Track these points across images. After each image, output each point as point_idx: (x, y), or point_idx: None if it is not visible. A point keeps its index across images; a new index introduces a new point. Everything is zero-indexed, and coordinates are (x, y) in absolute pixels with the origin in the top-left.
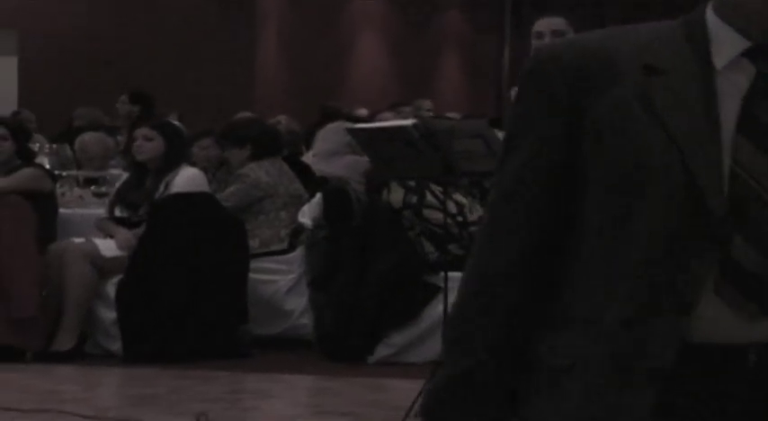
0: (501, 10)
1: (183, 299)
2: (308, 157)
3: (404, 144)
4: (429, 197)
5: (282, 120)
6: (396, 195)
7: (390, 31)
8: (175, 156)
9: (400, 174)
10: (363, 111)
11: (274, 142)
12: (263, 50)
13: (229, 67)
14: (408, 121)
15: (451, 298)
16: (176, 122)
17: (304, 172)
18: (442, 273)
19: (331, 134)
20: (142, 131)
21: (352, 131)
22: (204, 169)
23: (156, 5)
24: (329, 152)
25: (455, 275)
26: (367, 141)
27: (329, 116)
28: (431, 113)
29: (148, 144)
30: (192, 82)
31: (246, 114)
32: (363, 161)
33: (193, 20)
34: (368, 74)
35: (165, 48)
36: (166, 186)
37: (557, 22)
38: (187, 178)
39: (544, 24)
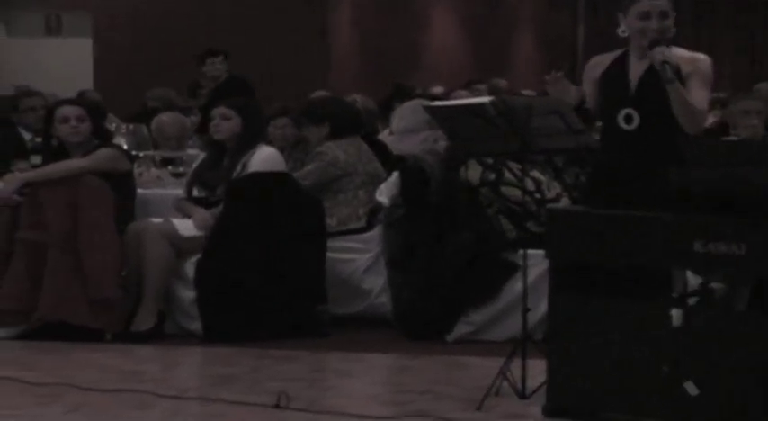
0: None
1: (262, 278)
2: (383, 136)
3: (481, 121)
4: (507, 174)
5: (358, 99)
6: (473, 173)
7: (464, 9)
8: (252, 135)
9: (478, 152)
10: (439, 89)
11: (353, 120)
12: (337, 29)
13: (304, 47)
14: (486, 99)
15: (531, 275)
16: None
17: (381, 150)
18: (521, 251)
19: (408, 112)
20: (219, 110)
21: (429, 109)
22: (281, 148)
23: None
24: (406, 130)
25: (534, 253)
26: (445, 119)
27: (402, 94)
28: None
29: (225, 123)
30: (267, 61)
31: (322, 93)
32: (440, 138)
33: (270, 3)
34: (442, 52)
35: (239, 29)
36: (243, 166)
37: (662, 2)
38: (264, 157)
39: (651, 5)
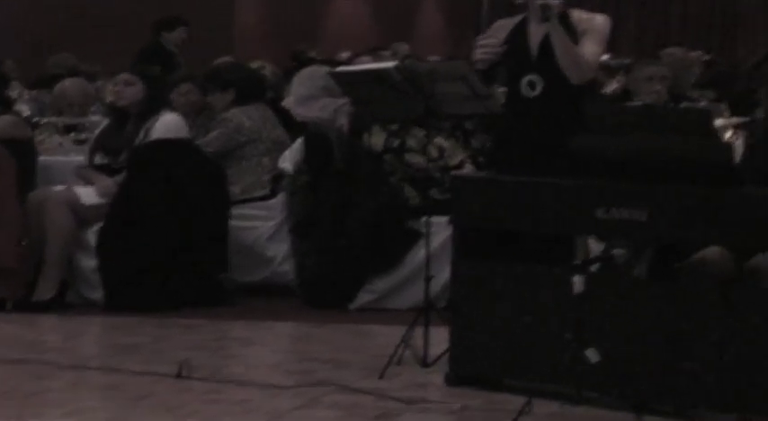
0: None
1: (164, 246)
2: (287, 102)
3: (386, 87)
4: (410, 141)
5: (266, 66)
6: (377, 139)
7: None
8: (155, 101)
9: (382, 117)
10: (345, 55)
11: (258, 87)
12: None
13: (207, 13)
14: (390, 64)
15: (433, 243)
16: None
17: (286, 117)
18: (424, 218)
19: (307, 78)
20: (123, 76)
21: (333, 75)
22: (184, 114)
23: None
24: (306, 96)
25: (437, 220)
26: (349, 84)
27: (302, 61)
28: (409, 57)
29: (129, 89)
30: None
31: (227, 59)
32: (341, 104)
33: None
34: (346, 18)
35: None
36: (146, 132)
37: None
38: (167, 124)
39: None
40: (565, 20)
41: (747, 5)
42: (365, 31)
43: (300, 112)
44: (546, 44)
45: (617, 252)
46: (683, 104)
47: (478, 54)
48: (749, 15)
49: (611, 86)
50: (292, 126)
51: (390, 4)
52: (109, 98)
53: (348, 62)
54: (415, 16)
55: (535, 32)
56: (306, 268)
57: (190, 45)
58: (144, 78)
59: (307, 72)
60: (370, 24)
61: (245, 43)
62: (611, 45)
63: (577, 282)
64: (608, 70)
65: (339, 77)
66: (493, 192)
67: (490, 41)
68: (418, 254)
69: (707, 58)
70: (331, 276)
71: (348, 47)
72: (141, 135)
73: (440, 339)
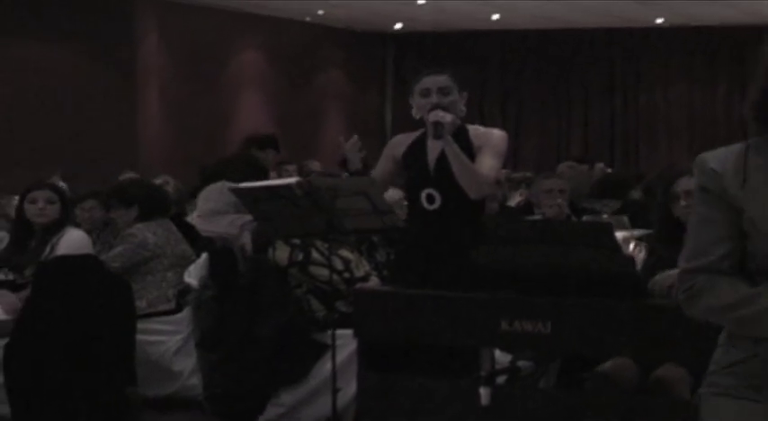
0: (383, 67)
1: (70, 361)
2: (192, 218)
3: (287, 202)
4: (315, 254)
5: (169, 181)
6: (281, 253)
7: (272, 91)
8: (64, 218)
9: (285, 233)
10: None
11: (162, 203)
12: (145, 110)
13: (111, 128)
14: (292, 180)
15: (340, 355)
16: (61, 183)
17: (190, 232)
18: (330, 331)
19: (214, 194)
20: (45, 194)
21: (235, 191)
22: (88, 230)
23: (38, 65)
24: (212, 211)
25: (343, 333)
26: (251, 200)
27: (212, 175)
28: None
29: (50, 207)
30: (75, 142)
31: (130, 175)
32: (249, 220)
33: (75, 80)
34: (249, 131)
35: (47, 108)
36: (52, 248)
37: (442, 79)
38: (72, 240)
39: (430, 82)
40: (462, 135)
41: (647, 120)
42: None
43: (207, 228)
44: (443, 159)
45: (523, 364)
46: (585, 217)
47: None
48: (649, 128)
49: (515, 199)
50: (196, 241)
51: (296, 118)
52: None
53: None
54: (320, 132)
55: (432, 148)
56: (213, 382)
57: (93, 160)
58: (61, 196)
59: (215, 187)
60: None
61: (148, 159)
62: (516, 160)
63: (483, 393)
64: (512, 184)
65: (241, 193)
66: (395, 306)
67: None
68: (325, 366)
69: (609, 170)
70: (238, 390)
71: None
72: (47, 251)
73: None
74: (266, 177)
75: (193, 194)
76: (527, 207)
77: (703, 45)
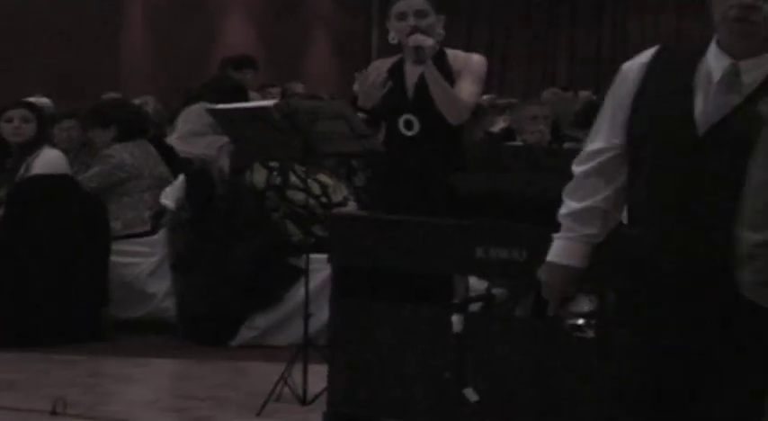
0: None
1: (44, 282)
2: (171, 139)
3: (265, 125)
4: (293, 178)
5: (150, 102)
6: (259, 176)
7: (258, 14)
8: (40, 137)
9: (262, 156)
10: None
11: (140, 123)
12: (129, 33)
13: (95, 49)
14: (270, 102)
15: (314, 280)
16: (46, 101)
17: (168, 154)
18: (305, 256)
19: (193, 115)
20: (20, 113)
21: (212, 112)
22: (65, 150)
23: None
24: (191, 133)
25: (318, 257)
26: (228, 122)
27: (194, 98)
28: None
29: (26, 126)
30: (58, 62)
31: (112, 95)
32: (224, 141)
33: (60, 1)
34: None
35: (31, 28)
36: (27, 168)
37: (418, 1)
38: (48, 160)
39: (406, 5)
40: (441, 59)
41: (634, 45)
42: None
43: (185, 149)
44: (422, 84)
45: (497, 291)
46: (566, 144)
47: (361, 94)
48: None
49: (498, 125)
50: (174, 163)
51: (282, 44)
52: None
53: None
54: (306, 56)
55: (411, 73)
56: (187, 305)
57: (76, 81)
58: (38, 115)
59: (194, 109)
60: (262, 63)
61: (131, 81)
62: (500, 85)
63: (456, 321)
64: (496, 110)
65: (219, 115)
66: (371, 231)
67: (373, 80)
68: (300, 291)
69: (595, 98)
70: (212, 313)
71: None
72: (22, 170)
73: (319, 377)
74: (246, 98)
75: (173, 116)
76: (508, 133)
77: None
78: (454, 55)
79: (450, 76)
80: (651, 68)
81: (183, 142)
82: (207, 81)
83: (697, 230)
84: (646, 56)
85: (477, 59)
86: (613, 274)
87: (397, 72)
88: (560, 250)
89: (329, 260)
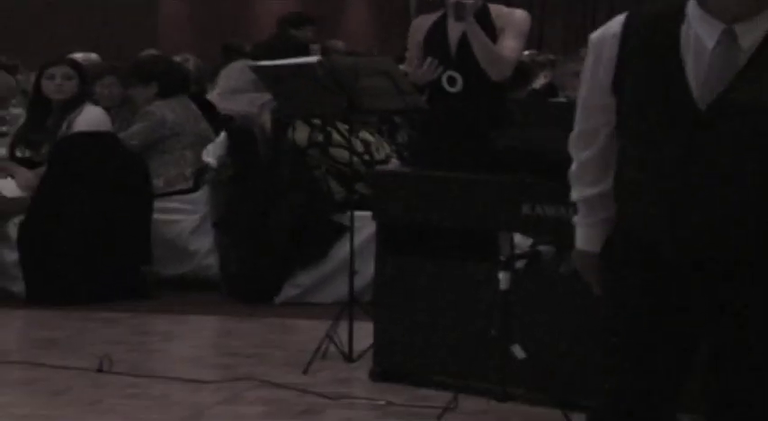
0: None
1: (87, 239)
2: (212, 96)
3: (309, 81)
4: (335, 135)
5: (190, 58)
6: (301, 134)
7: None
8: (81, 94)
9: (306, 112)
10: None
11: (181, 80)
12: None
13: (132, 5)
14: (313, 58)
15: (358, 237)
16: (94, 56)
17: (209, 111)
18: (349, 213)
19: (235, 72)
20: (62, 70)
21: (255, 69)
22: (107, 108)
23: None
24: (233, 90)
25: (362, 214)
26: (271, 79)
27: (232, 54)
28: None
29: (68, 83)
30: (97, 21)
31: (151, 52)
32: (266, 98)
33: None
34: (274, 12)
35: None
36: (69, 125)
37: None
38: (90, 117)
39: None
40: (484, 15)
41: None
42: None
43: (227, 106)
44: (464, 41)
45: (543, 248)
46: None
47: (419, 76)
48: None
49: (539, 81)
50: (216, 120)
51: (319, 1)
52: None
53: None
54: (344, 13)
55: (453, 29)
56: (230, 262)
57: (112, 37)
58: (80, 72)
59: (236, 66)
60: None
61: (169, 36)
62: (540, 41)
63: (503, 278)
64: (537, 65)
65: (262, 72)
66: (416, 188)
67: (425, 69)
68: (343, 248)
69: None
70: (255, 270)
71: None
72: (63, 128)
73: (364, 334)
74: (308, 55)
75: (214, 73)
76: (551, 89)
77: None
78: (497, 10)
79: (492, 31)
80: (626, 39)
81: (225, 99)
82: (266, 40)
83: (708, 214)
84: (615, 26)
85: (519, 15)
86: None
87: (439, 28)
88: (584, 237)
89: (374, 217)
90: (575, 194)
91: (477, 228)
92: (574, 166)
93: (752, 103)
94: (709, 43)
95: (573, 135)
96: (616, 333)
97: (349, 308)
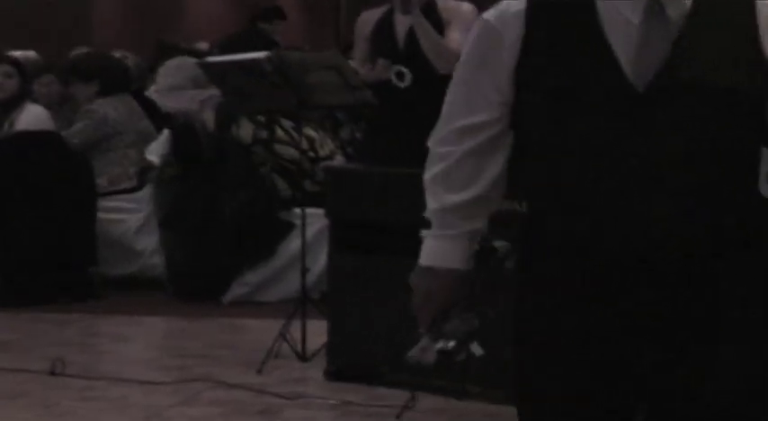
0: None
1: (32, 240)
2: (150, 93)
3: (257, 77)
4: (279, 132)
5: (129, 56)
6: (245, 131)
7: None
8: (22, 93)
9: (254, 109)
10: (204, 45)
11: (122, 78)
12: None
13: (65, 2)
14: (261, 54)
15: (309, 234)
16: (33, 54)
17: (150, 108)
18: (295, 210)
19: (172, 69)
20: (2, 68)
21: (203, 65)
22: (46, 106)
23: None
24: (171, 87)
25: (309, 212)
26: (219, 75)
27: (167, 51)
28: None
29: (8, 81)
30: (29, 17)
31: (84, 49)
32: (207, 95)
33: None
34: (207, 8)
35: None
36: (11, 124)
37: None
38: (32, 116)
39: None
40: (431, 9)
41: None
42: (224, 20)
43: (168, 103)
44: (412, 35)
45: (498, 244)
46: None
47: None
48: None
49: None
50: (156, 117)
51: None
52: None
53: (208, 53)
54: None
55: (400, 23)
56: (176, 261)
57: (46, 35)
58: (20, 71)
59: (174, 62)
60: (229, 13)
61: (102, 33)
62: None
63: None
64: None
65: (209, 68)
66: (369, 184)
67: (378, 71)
68: (290, 245)
69: None
70: (202, 269)
71: (207, 36)
72: (5, 127)
73: (317, 332)
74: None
75: (151, 69)
76: None
77: None
78: (443, 3)
79: (439, 24)
80: (533, 17)
81: (163, 96)
82: (234, 34)
83: (661, 212)
84: (515, 3)
85: (466, 8)
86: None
87: (386, 23)
88: (439, 251)
89: (326, 214)
90: (434, 203)
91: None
92: (436, 169)
93: (694, 79)
94: (634, 18)
95: (443, 132)
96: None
97: (302, 306)
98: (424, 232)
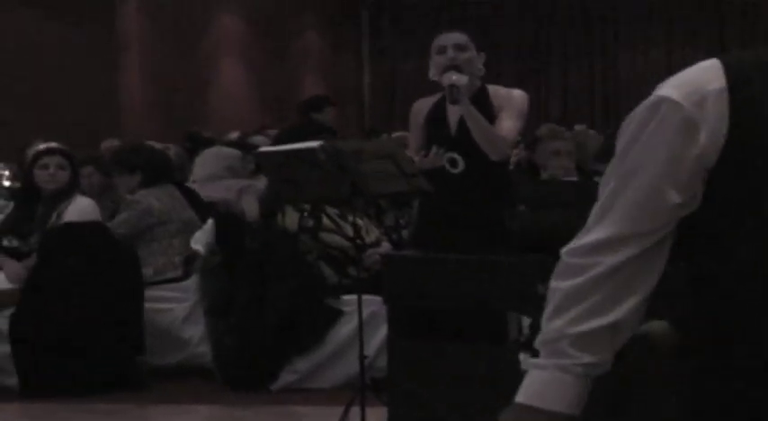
0: (358, 28)
1: (78, 331)
2: (189, 183)
3: (310, 166)
4: (325, 220)
5: (170, 147)
6: (291, 219)
7: (250, 56)
8: (72, 185)
9: (306, 197)
10: (234, 135)
11: (165, 168)
12: (126, 76)
13: (93, 94)
14: (315, 143)
15: (352, 321)
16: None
17: (193, 198)
18: (342, 297)
19: (211, 159)
20: (56, 160)
21: (259, 155)
22: (88, 197)
23: (18, 31)
24: (209, 177)
25: (353, 298)
26: (273, 164)
27: (197, 142)
28: None
29: (61, 173)
30: (57, 108)
31: (114, 141)
32: (245, 185)
33: (56, 46)
34: (230, 98)
35: (27, 74)
36: (58, 215)
37: (458, 35)
38: (81, 207)
39: (446, 38)
40: (482, 95)
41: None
42: (250, 111)
43: (206, 193)
44: (463, 122)
45: None
46: (596, 178)
47: (426, 164)
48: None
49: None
50: (199, 206)
51: (272, 82)
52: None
53: (239, 142)
54: (298, 94)
55: (453, 110)
56: (224, 349)
57: (74, 126)
58: (72, 162)
59: (210, 153)
60: (254, 104)
61: (131, 125)
62: None
63: (524, 359)
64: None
65: (264, 158)
66: (428, 270)
67: (431, 158)
68: (339, 332)
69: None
70: (250, 357)
71: (232, 126)
72: (53, 218)
73: (375, 419)
74: (335, 137)
75: (189, 160)
76: (531, 168)
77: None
78: (495, 90)
79: (490, 112)
80: (740, 94)
81: (201, 186)
82: (291, 125)
83: None
84: (714, 80)
85: (518, 94)
86: None
87: (439, 110)
88: (541, 387)
89: (385, 301)
90: (563, 326)
91: (497, 310)
92: (573, 284)
93: None
94: None
95: (591, 240)
96: None
97: (361, 393)
98: (530, 361)
